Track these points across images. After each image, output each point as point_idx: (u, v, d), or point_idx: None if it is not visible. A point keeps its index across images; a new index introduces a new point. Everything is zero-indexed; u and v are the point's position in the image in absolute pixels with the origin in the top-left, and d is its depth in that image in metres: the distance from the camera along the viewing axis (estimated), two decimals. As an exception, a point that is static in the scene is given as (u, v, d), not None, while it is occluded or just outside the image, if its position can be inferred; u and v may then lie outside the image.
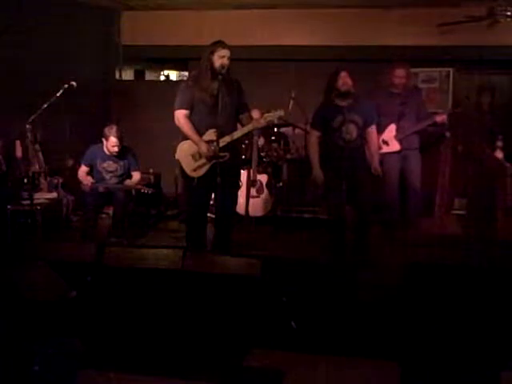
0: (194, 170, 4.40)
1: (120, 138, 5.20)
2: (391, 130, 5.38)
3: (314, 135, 4.74)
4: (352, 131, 4.55)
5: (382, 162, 5.24)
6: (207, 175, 4.36)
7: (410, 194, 5.57)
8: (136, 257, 3.81)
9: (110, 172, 5.34)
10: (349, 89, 4.54)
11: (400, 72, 5.36)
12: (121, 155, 5.33)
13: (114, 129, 5.20)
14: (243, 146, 5.56)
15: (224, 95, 4.27)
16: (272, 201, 5.87)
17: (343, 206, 4.59)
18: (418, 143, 5.53)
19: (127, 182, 5.36)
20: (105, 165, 5.32)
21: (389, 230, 5.42)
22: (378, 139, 5.08)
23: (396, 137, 5.39)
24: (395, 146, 5.40)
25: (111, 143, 5.19)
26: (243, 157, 5.57)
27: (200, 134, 4.34)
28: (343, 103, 4.56)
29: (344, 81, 4.54)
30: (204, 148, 4.29)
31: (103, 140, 5.26)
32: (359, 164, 4.60)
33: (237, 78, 4.48)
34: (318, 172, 4.65)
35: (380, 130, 5.17)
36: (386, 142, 5.38)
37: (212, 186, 4.34)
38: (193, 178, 4.41)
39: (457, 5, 6.45)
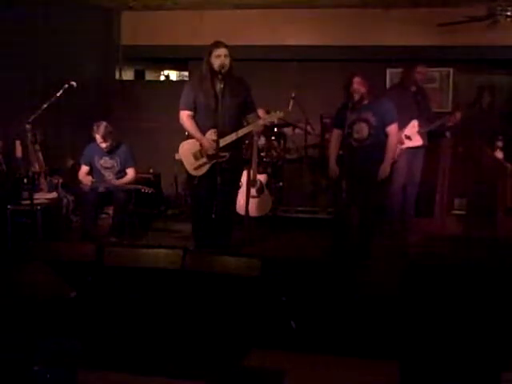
0: (195, 169, 4.45)
1: (105, 136, 5.20)
2: (414, 125, 5.45)
3: (335, 133, 4.79)
4: (363, 130, 4.52)
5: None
6: (209, 174, 4.38)
7: (409, 190, 5.63)
8: (136, 257, 3.81)
9: (108, 168, 5.36)
10: (361, 95, 4.50)
11: (422, 69, 5.52)
12: (116, 151, 5.35)
13: (100, 126, 5.20)
14: (243, 146, 5.56)
15: (226, 95, 4.28)
16: (272, 201, 5.87)
17: (347, 205, 4.58)
18: (427, 141, 5.60)
19: (124, 179, 5.35)
20: (102, 161, 5.35)
21: (389, 230, 5.43)
22: (400, 137, 5.12)
23: (419, 132, 5.47)
24: (418, 141, 5.49)
25: (98, 140, 5.23)
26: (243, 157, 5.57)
27: (203, 133, 4.39)
28: (358, 103, 4.54)
29: (355, 87, 4.51)
30: (206, 144, 4.33)
31: None
32: (368, 164, 4.54)
33: (242, 78, 4.47)
34: (333, 167, 4.69)
35: (400, 127, 5.19)
36: (408, 137, 5.44)
37: (214, 186, 4.35)
38: (194, 177, 4.45)
39: (457, 5, 6.45)
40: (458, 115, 5.49)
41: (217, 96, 4.25)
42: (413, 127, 5.46)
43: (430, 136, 5.71)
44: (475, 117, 6.06)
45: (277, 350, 3.14)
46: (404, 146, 5.41)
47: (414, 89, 5.54)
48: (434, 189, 6.26)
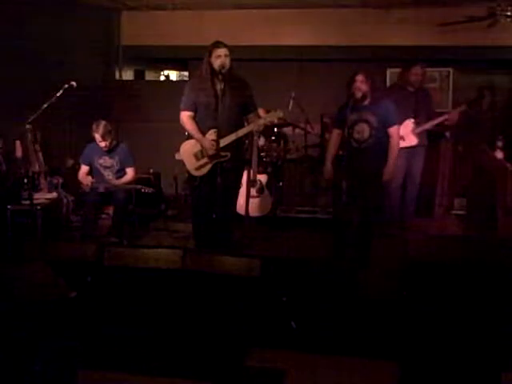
0: (197, 169, 4.45)
1: (104, 135, 5.19)
2: (407, 125, 5.44)
3: (335, 133, 4.75)
4: (363, 131, 4.47)
5: None
6: (210, 175, 4.38)
7: (409, 189, 5.63)
8: (136, 257, 3.82)
9: (107, 168, 5.36)
10: (363, 94, 4.45)
11: (417, 70, 5.51)
12: (115, 150, 5.36)
13: (99, 125, 5.19)
14: (244, 146, 5.56)
15: (226, 95, 4.29)
16: (272, 201, 5.87)
17: (346, 206, 4.57)
18: (426, 140, 5.60)
19: (124, 179, 5.35)
20: (101, 161, 5.35)
21: (388, 230, 5.43)
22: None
23: (413, 131, 5.46)
24: (413, 141, 5.47)
25: (97, 140, 5.23)
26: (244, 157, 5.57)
27: (203, 134, 4.38)
28: (359, 103, 4.50)
29: (358, 86, 4.44)
30: (207, 144, 4.32)
31: None
32: (368, 165, 4.50)
33: (242, 77, 4.46)
34: (328, 167, 4.67)
35: None
36: (402, 138, 5.36)
37: (215, 186, 4.35)
38: (195, 177, 4.45)
39: (457, 5, 6.45)
40: (456, 115, 5.48)
41: (217, 96, 4.25)
42: (406, 127, 5.43)
43: (430, 136, 5.71)
44: (475, 117, 6.06)
45: (277, 349, 3.15)
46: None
47: (412, 89, 5.54)
48: (433, 189, 6.27)
